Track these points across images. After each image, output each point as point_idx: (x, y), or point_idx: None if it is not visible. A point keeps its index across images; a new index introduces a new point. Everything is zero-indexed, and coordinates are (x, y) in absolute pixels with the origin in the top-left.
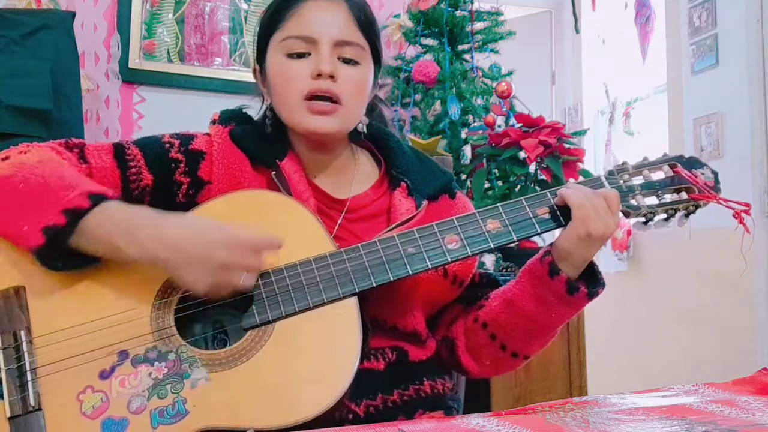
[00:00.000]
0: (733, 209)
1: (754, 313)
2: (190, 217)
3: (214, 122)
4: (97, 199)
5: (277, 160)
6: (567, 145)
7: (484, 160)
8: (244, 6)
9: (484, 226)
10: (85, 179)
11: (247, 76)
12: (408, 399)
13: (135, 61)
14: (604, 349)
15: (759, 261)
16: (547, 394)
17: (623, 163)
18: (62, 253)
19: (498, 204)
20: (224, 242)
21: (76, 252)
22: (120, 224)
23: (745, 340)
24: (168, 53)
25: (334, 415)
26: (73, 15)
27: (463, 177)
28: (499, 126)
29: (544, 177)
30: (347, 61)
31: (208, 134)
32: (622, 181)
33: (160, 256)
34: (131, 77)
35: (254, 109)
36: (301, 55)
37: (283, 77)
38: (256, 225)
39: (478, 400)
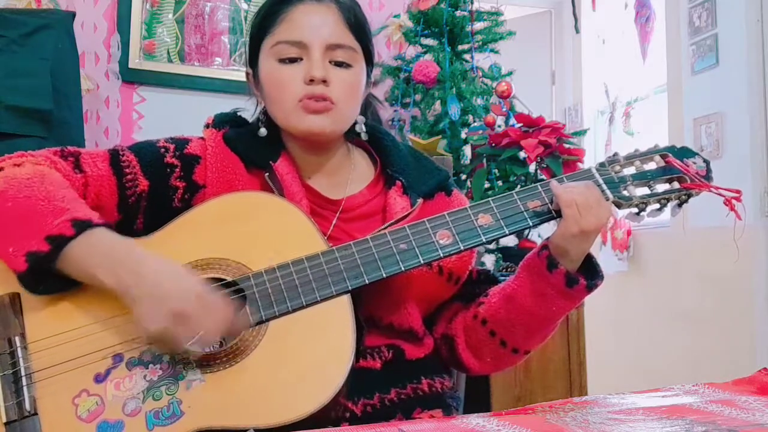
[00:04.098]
0: (725, 197)
1: (754, 313)
2: (172, 262)
3: (207, 126)
4: (81, 227)
5: (271, 162)
6: (567, 145)
7: (484, 160)
8: (244, 6)
9: (476, 220)
10: (74, 201)
11: None
12: (406, 398)
13: (135, 61)
14: (604, 349)
15: (759, 261)
16: (547, 394)
17: (614, 154)
18: (45, 278)
19: (489, 198)
20: (196, 293)
21: (60, 276)
22: (101, 254)
23: (745, 340)
24: (168, 53)
25: (331, 414)
26: (73, 15)
27: (463, 177)
28: (499, 126)
29: (544, 177)
30: (339, 64)
31: (202, 138)
32: (613, 173)
33: (128, 285)
34: (131, 77)
35: (249, 111)
36: (293, 60)
37: (276, 83)
38: (249, 226)
39: (478, 400)
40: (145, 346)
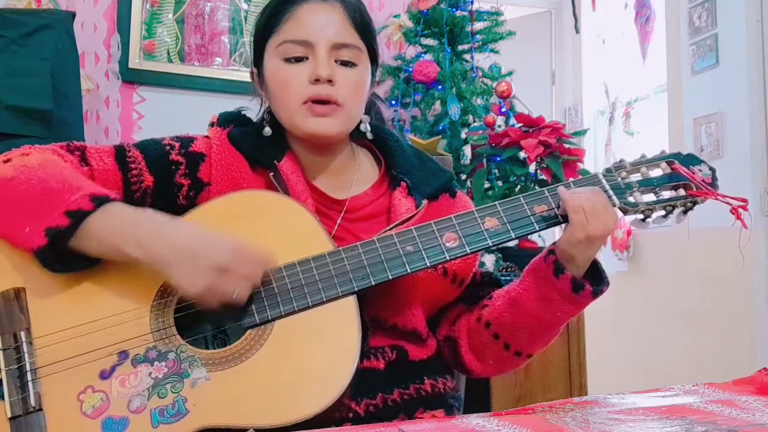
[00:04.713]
0: (731, 205)
1: (754, 313)
2: (196, 223)
3: (212, 125)
4: (99, 201)
5: (275, 161)
6: (567, 145)
7: (484, 160)
8: (244, 6)
9: (483, 224)
10: (87, 182)
11: (248, 76)
12: (408, 398)
13: (135, 61)
14: (604, 349)
15: (759, 261)
16: (547, 394)
17: (621, 161)
18: (63, 255)
19: (496, 202)
20: (229, 246)
21: (77, 254)
22: (123, 226)
23: (745, 340)
24: (168, 53)
25: (335, 414)
26: (73, 15)
27: (463, 177)
28: (499, 126)
29: (544, 177)
30: (345, 64)
31: (207, 137)
32: (620, 179)
33: (159, 253)
34: (131, 77)
35: (253, 111)
36: (298, 59)
37: (281, 82)
38: (255, 225)
39: (479, 400)
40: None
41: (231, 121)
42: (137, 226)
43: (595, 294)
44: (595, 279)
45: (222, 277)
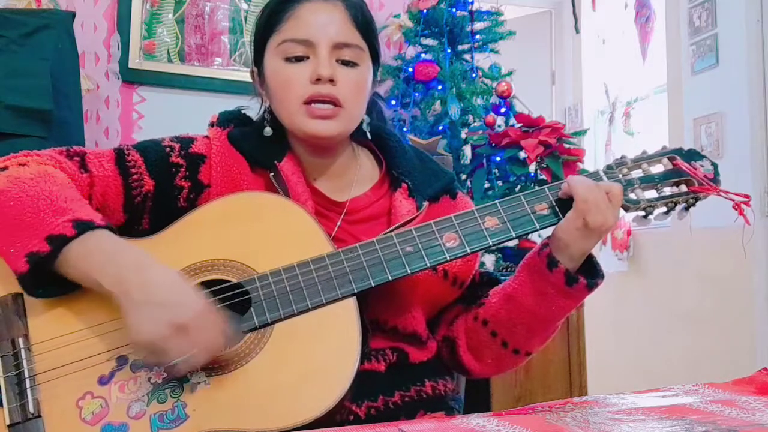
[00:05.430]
0: (734, 200)
1: (754, 313)
2: (175, 273)
3: (212, 124)
4: (82, 228)
5: (276, 162)
6: (567, 145)
7: (484, 160)
8: (244, 6)
9: (483, 223)
10: (76, 202)
11: (248, 76)
12: (409, 400)
13: (135, 61)
14: (604, 349)
15: (759, 261)
16: (547, 394)
17: (622, 157)
18: (45, 279)
19: (496, 201)
20: (199, 307)
21: (60, 278)
22: (99, 261)
23: (745, 340)
24: (168, 53)
25: (335, 416)
26: (73, 15)
27: (463, 177)
28: (499, 126)
29: (544, 177)
30: (346, 63)
31: (207, 137)
32: (621, 175)
33: (127, 291)
34: (131, 77)
35: (253, 110)
36: (299, 59)
37: (282, 81)
38: (254, 227)
39: (479, 400)
40: (130, 351)
41: (231, 121)
42: (116, 259)
43: (590, 287)
44: (590, 273)
45: (177, 336)
